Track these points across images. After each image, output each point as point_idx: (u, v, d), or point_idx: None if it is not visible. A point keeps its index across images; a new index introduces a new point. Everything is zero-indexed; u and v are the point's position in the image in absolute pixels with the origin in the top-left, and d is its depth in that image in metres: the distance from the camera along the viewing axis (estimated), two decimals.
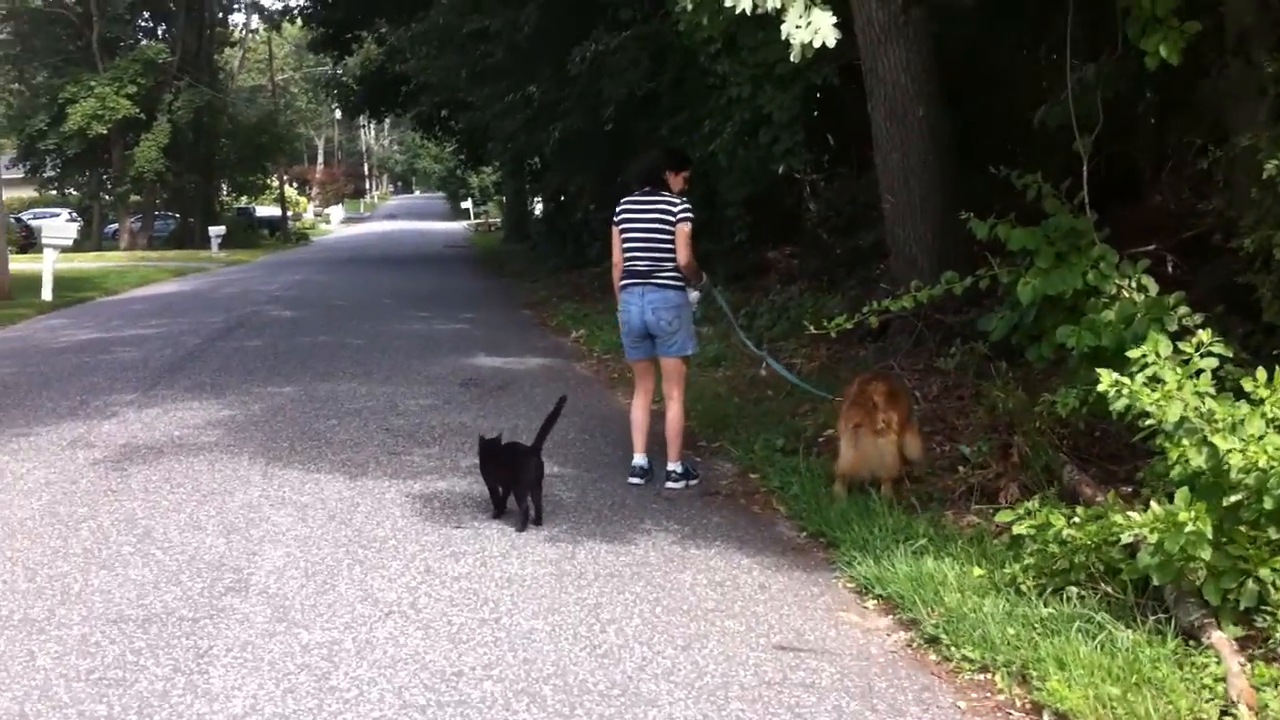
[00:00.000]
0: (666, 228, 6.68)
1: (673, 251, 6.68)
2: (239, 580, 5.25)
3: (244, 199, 57.12)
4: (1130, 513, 4.35)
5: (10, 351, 13.75)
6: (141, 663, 4.31)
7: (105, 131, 42.26)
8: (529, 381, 10.81)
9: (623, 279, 6.91)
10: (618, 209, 7.01)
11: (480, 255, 37.30)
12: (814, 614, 4.86)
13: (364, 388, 10.42)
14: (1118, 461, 6.11)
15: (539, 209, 35.50)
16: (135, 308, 19.77)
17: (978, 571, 4.89)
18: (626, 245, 6.85)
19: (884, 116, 9.41)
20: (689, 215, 6.71)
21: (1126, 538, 4.34)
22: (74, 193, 49.53)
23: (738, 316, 12.12)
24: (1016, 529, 4.98)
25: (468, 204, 70.55)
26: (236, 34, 59.61)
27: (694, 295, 6.97)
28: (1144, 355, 4.88)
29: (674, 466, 6.95)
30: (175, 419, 9.07)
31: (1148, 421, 4.59)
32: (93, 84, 42.11)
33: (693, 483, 6.95)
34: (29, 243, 37.95)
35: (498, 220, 56.28)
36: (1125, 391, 4.59)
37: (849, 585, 5.20)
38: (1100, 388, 4.69)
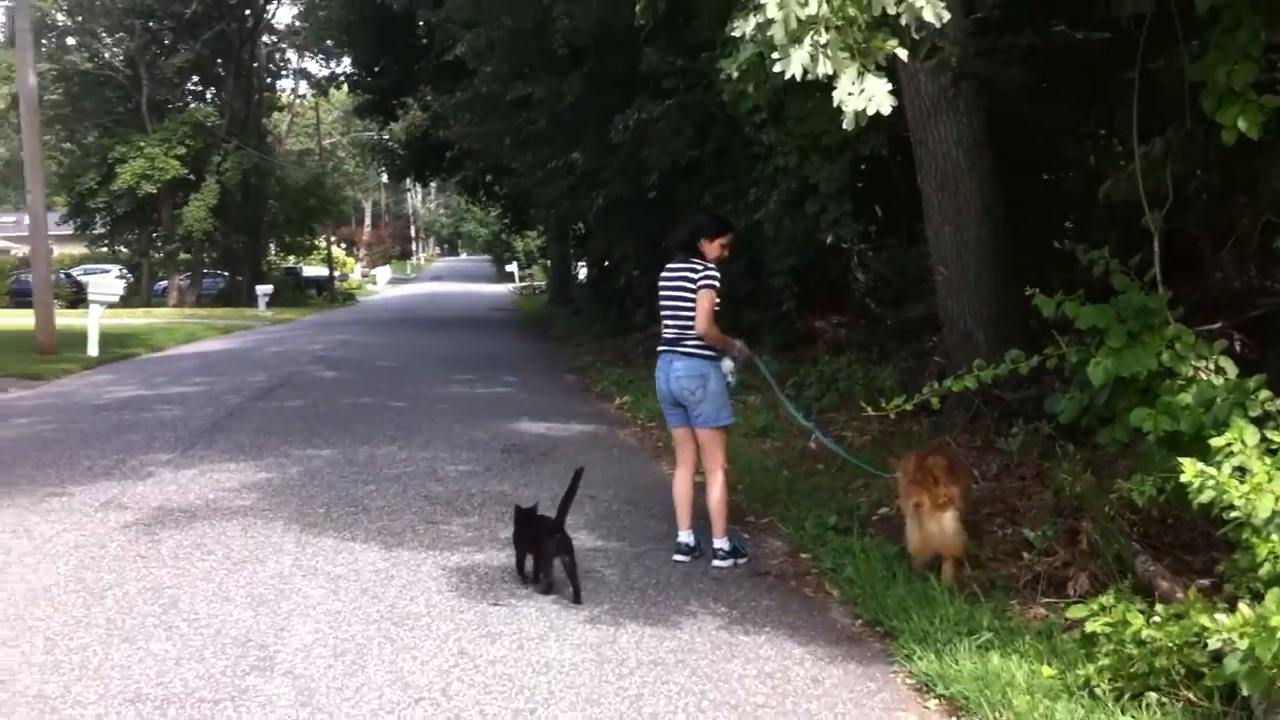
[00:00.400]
0: (688, 294, 6.60)
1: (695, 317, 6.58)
2: (264, 658, 5.02)
3: (291, 259, 57.80)
4: (1218, 615, 4.03)
5: (53, 407, 13.70)
6: None
7: (154, 191, 42.96)
8: (572, 448, 10.57)
9: (658, 346, 6.90)
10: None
11: (524, 319, 37.30)
12: (871, 712, 4.56)
13: (404, 452, 10.23)
14: (1192, 551, 5.78)
15: (583, 273, 35.51)
16: (180, 364, 19.77)
17: (1048, 671, 4.57)
18: (661, 311, 6.84)
19: (935, 189, 9.18)
20: (710, 283, 6.57)
21: (1214, 642, 4.02)
22: (123, 250, 50.22)
23: (785, 387, 11.93)
24: (1090, 626, 4.67)
25: (513, 267, 70.98)
26: (284, 99, 60.51)
27: (727, 365, 6.80)
28: (1229, 444, 4.58)
29: (720, 544, 6.71)
30: (211, 481, 8.90)
31: (1233, 514, 4.29)
32: (142, 144, 42.82)
33: (741, 561, 6.71)
34: (78, 298, 38.26)
35: (542, 284, 56.50)
36: (1211, 483, 4.29)
37: (908, 681, 4.89)
38: (1184, 478, 4.38)
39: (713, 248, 6.73)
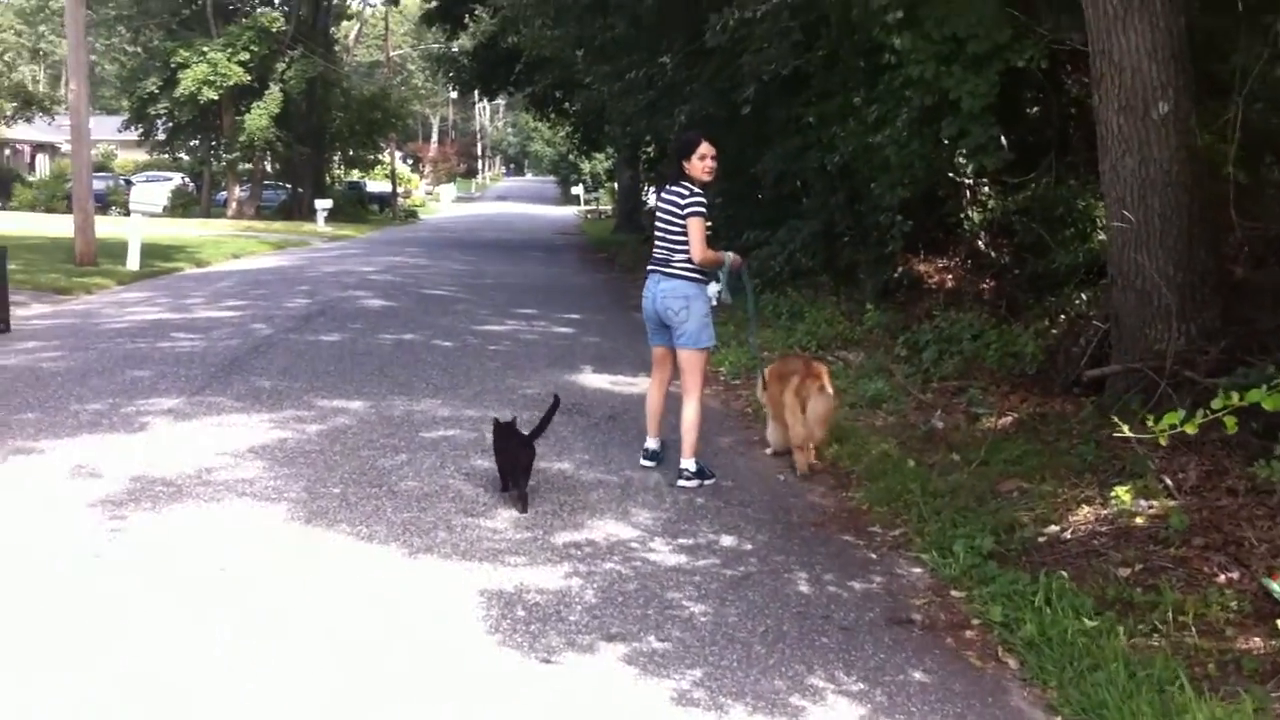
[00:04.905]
0: (676, 219, 6.72)
1: (683, 242, 6.70)
2: None
3: (355, 173, 56.33)
4: None
5: (67, 329, 12.30)
6: None
7: (216, 97, 41.65)
8: (643, 411, 8.90)
9: (648, 266, 7.03)
10: None
11: (590, 244, 35.55)
12: None
13: (446, 409, 8.65)
14: None
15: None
16: (220, 284, 18.33)
17: None
18: (654, 233, 6.95)
19: (1116, 111, 7.34)
20: (697, 209, 6.65)
21: None
22: (185, 158, 49.08)
23: (896, 345, 10.20)
24: None
25: (579, 190, 69.17)
26: (353, 7, 58.71)
27: (713, 288, 6.88)
28: None
29: (687, 464, 6.81)
30: (212, 439, 7.37)
31: None
32: (205, 49, 41.35)
33: (707, 482, 6.77)
34: None
35: (608, 208, 54.70)
36: None
37: None
38: None
39: (695, 167, 6.74)
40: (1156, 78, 7.20)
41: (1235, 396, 3.61)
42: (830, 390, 7.09)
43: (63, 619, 4.44)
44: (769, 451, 7.72)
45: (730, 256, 6.97)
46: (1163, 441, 3.73)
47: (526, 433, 6.41)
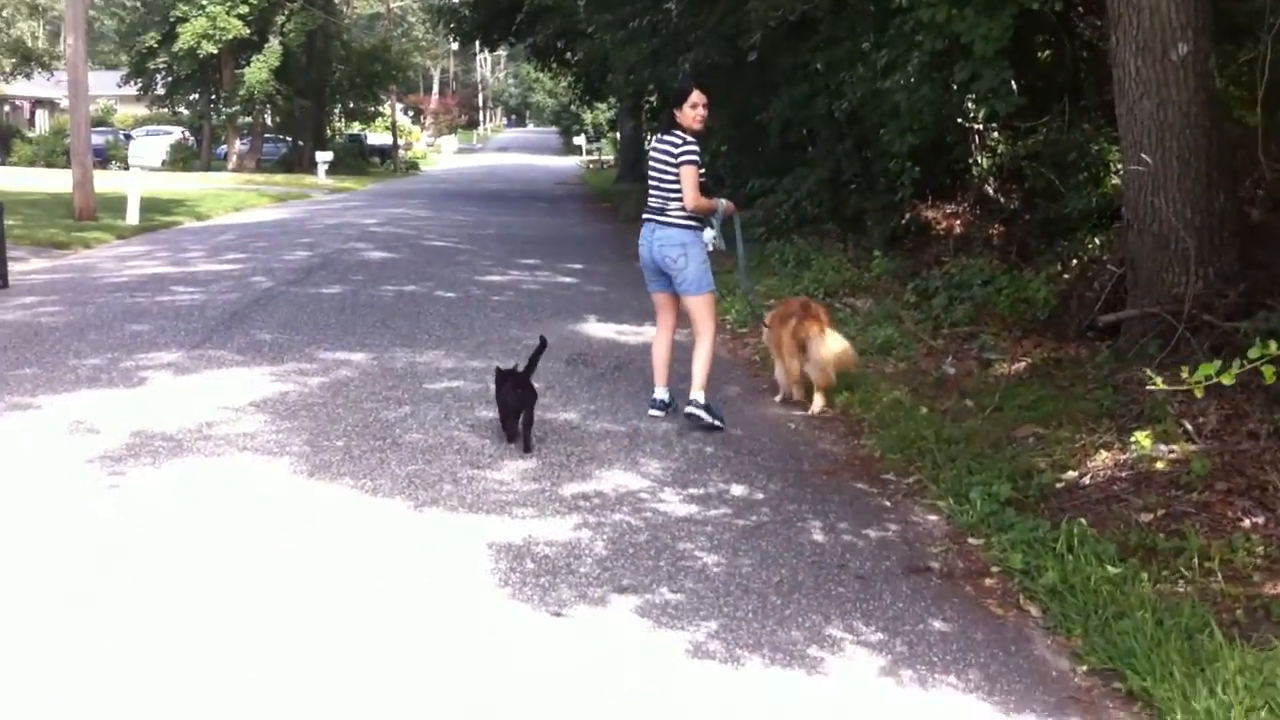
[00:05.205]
0: (670, 167, 6.76)
1: (677, 191, 6.72)
2: None
3: (356, 125, 55.85)
4: None
5: (66, 284, 12.17)
6: None
7: (215, 51, 41.24)
8: (648, 360, 8.77)
9: (643, 214, 7.06)
10: None
11: (592, 194, 35.29)
12: None
13: (450, 360, 8.52)
14: None
15: None
16: (220, 238, 18.15)
17: None
18: (649, 182, 7.00)
19: (1134, 53, 7.12)
20: (691, 157, 6.70)
21: None
22: (184, 112, 48.66)
23: (906, 291, 10.06)
24: None
25: (580, 140, 68.69)
26: None
27: (709, 234, 6.87)
28: None
29: (697, 395, 6.81)
30: (213, 393, 7.25)
31: None
32: (204, 3, 40.83)
33: (716, 424, 6.75)
34: None
35: (610, 158, 54.30)
36: None
37: None
38: None
39: (687, 116, 6.78)
40: (1175, 18, 6.99)
41: (1274, 345, 3.45)
42: (828, 335, 7.16)
43: (58, 577, 4.33)
44: (777, 399, 7.63)
45: (723, 203, 6.99)
46: (1198, 394, 3.57)
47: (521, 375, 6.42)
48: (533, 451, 6.14)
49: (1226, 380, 3.43)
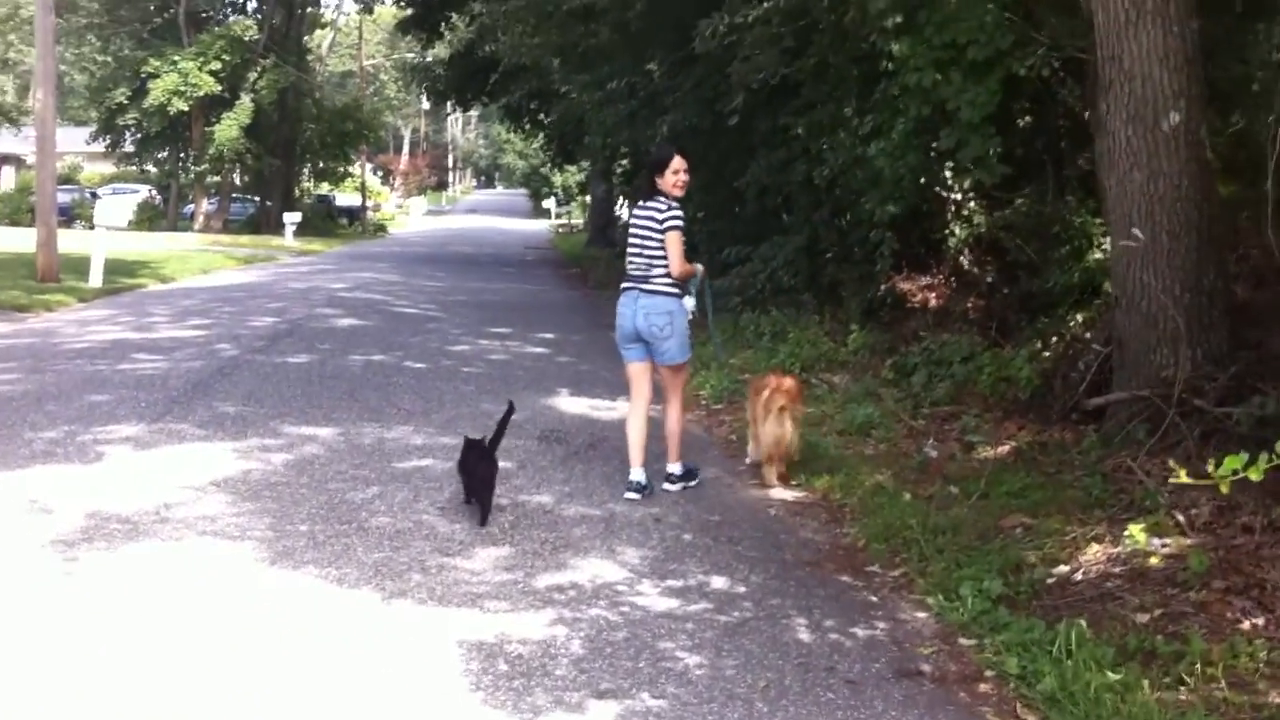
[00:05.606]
0: (654, 233, 6.73)
1: (662, 257, 6.71)
2: None
3: (325, 186, 55.72)
4: None
5: (24, 350, 11.85)
6: None
7: (186, 108, 40.93)
8: (623, 437, 8.56)
9: (621, 282, 6.97)
10: None
11: (562, 260, 35.20)
12: None
13: (419, 436, 8.29)
14: None
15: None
16: (184, 302, 17.86)
17: None
18: (628, 249, 6.94)
19: (1124, 122, 7.05)
20: (676, 223, 6.70)
21: None
22: (152, 170, 48.30)
23: (884, 367, 9.94)
24: None
25: (550, 203, 68.84)
26: (328, 15, 58.15)
27: (689, 302, 6.89)
28: None
29: (673, 468, 7.00)
30: (172, 471, 6.99)
31: None
32: (176, 59, 40.66)
33: (692, 484, 7.00)
34: None
35: (580, 222, 54.35)
36: None
37: None
38: None
39: (668, 182, 6.75)
40: (1168, 86, 6.93)
41: None
42: (784, 416, 7.15)
43: (7, 669, 4.06)
44: (748, 461, 7.79)
45: (699, 268, 7.07)
46: (1224, 490, 3.38)
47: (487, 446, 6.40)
48: (487, 525, 6.12)
49: (1254, 476, 3.24)
